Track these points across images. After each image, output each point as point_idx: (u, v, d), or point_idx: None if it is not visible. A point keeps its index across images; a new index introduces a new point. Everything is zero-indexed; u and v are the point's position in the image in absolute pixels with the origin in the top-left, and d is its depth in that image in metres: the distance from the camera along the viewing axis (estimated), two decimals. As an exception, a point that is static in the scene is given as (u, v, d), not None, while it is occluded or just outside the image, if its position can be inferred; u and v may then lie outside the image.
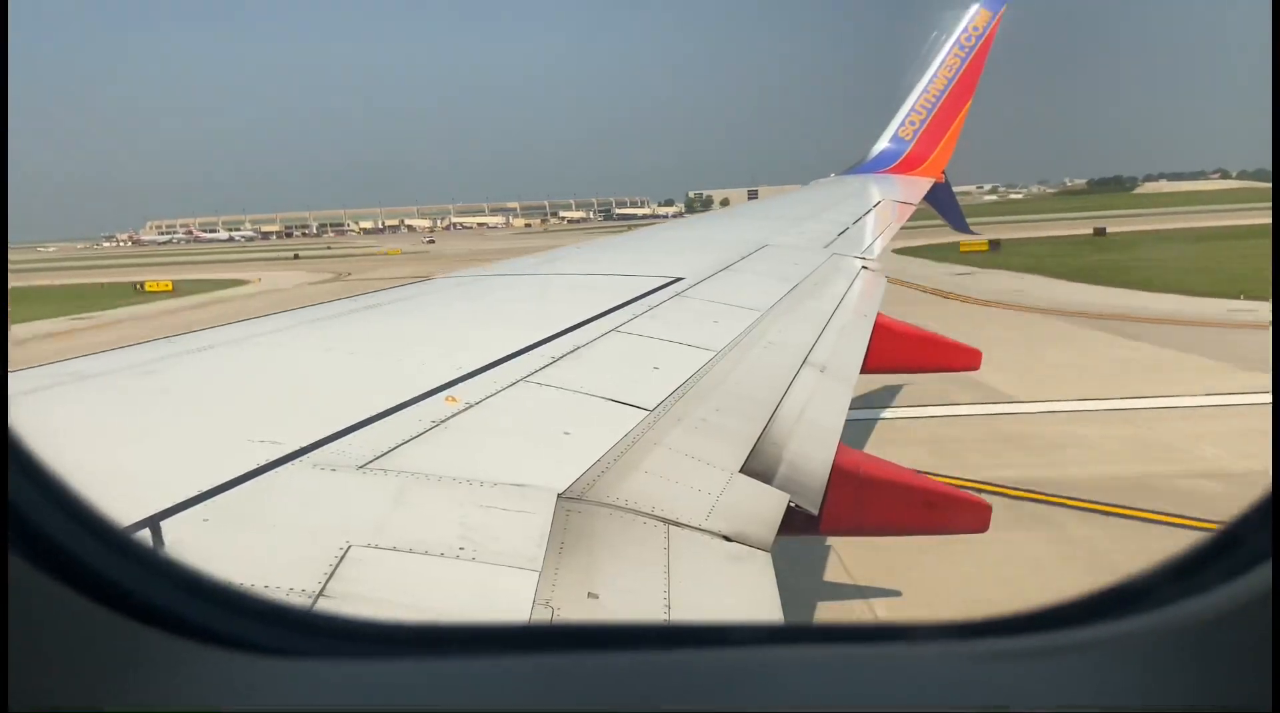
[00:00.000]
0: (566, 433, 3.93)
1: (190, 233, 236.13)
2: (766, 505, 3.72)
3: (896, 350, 8.23)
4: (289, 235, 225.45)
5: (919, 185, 20.40)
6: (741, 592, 3.15)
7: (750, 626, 1.39)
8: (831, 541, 11.74)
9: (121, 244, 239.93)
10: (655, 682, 1.16)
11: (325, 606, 2.41)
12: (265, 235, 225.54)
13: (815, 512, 3.93)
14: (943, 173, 21.54)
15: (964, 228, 25.42)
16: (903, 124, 21.71)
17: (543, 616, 2.61)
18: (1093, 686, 1.09)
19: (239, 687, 1.19)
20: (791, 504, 3.82)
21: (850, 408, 5.30)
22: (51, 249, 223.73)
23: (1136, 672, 1.10)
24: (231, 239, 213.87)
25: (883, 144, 21.93)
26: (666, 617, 2.78)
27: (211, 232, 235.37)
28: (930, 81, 21.41)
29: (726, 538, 3.36)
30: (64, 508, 1.27)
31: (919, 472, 5.39)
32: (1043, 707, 1.07)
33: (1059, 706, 1.08)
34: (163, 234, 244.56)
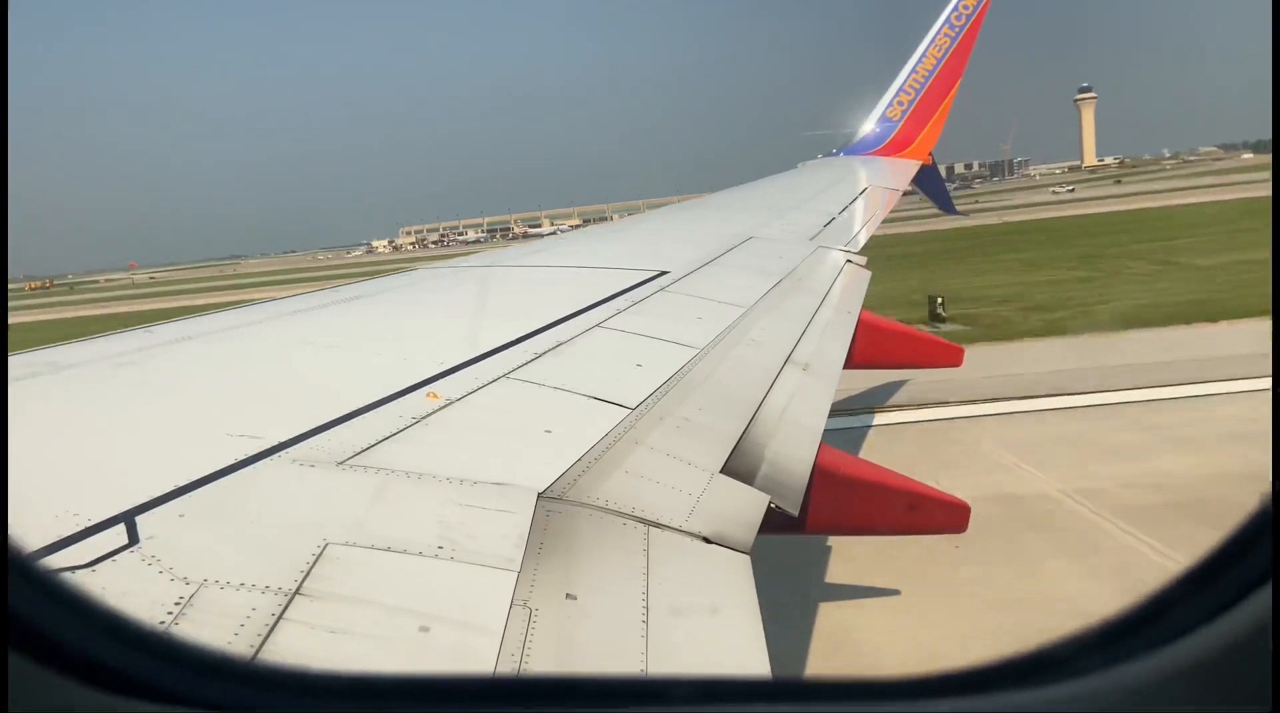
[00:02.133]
0: (548, 431, 3.92)
1: (521, 229, 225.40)
2: (746, 507, 3.72)
3: (879, 347, 8.25)
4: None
5: (906, 169, 20.20)
6: (720, 594, 3.16)
7: (693, 681, 1.38)
8: (831, 539, 11.78)
9: (402, 249, 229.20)
10: None
11: (300, 605, 2.40)
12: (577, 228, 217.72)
13: (795, 513, 3.93)
14: (930, 155, 21.32)
15: (951, 210, 25.21)
16: (890, 105, 21.33)
17: (520, 617, 2.61)
18: None
19: None
20: (772, 505, 3.82)
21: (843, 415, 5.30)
22: (323, 257, 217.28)
23: None
24: (556, 233, 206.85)
25: (869, 125, 21.55)
26: (644, 619, 2.78)
27: (524, 228, 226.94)
28: (919, 61, 21.04)
29: (706, 539, 3.36)
30: (54, 596, 1.28)
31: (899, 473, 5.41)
32: None
33: None
34: (460, 234, 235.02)
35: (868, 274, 9.91)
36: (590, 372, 4.76)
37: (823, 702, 1.24)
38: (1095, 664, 1.12)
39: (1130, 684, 1.08)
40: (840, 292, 8.60)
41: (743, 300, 7.01)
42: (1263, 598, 1.05)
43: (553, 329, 5.34)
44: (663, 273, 7.38)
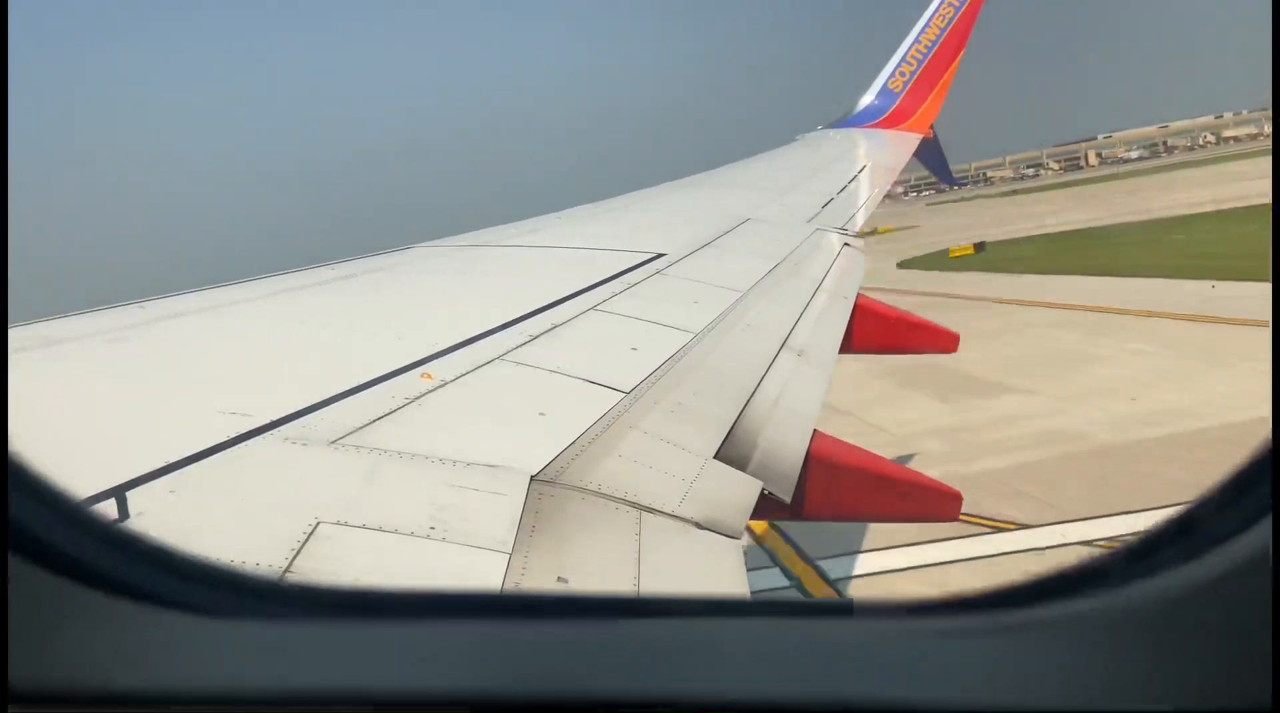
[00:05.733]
0: (542, 413, 3.91)
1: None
2: (739, 493, 3.73)
3: (875, 332, 8.25)
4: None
5: (906, 143, 19.86)
6: (711, 581, 3.17)
7: (693, 599, 1.40)
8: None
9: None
10: (596, 653, 1.16)
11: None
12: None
13: (787, 500, 3.95)
14: (930, 128, 20.98)
15: (952, 182, 24.94)
16: (892, 76, 20.75)
17: None
18: (1056, 665, 1.09)
19: (207, 649, 1.23)
20: (765, 492, 3.83)
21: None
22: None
23: (1092, 651, 1.09)
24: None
25: (869, 97, 20.95)
26: None
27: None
28: (922, 31, 20.57)
29: (699, 525, 3.37)
30: (51, 503, 1.32)
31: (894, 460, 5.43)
32: (1004, 684, 1.07)
33: (1020, 685, 1.08)
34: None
35: (865, 258, 9.90)
36: (585, 355, 4.75)
37: (845, 618, 1.26)
38: (1127, 577, 1.15)
39: (1160, 595, 1.11)
40: (837, 276, 8.59)
41: (739, 284, 6.99)
42: (1264, 526, 1.10)
43: (548, 311, 5.31)
44: (659, 255, 7.35)
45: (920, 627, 1.18)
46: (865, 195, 14.08)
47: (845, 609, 1.25)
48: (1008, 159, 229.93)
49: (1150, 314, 30.63)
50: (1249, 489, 1.15)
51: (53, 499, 1.35)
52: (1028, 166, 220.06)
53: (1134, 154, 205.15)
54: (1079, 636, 1.11)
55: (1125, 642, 1.09)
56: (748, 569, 3.27)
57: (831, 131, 21.07)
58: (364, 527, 2.74)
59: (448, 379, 3.99)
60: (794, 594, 12.40)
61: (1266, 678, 1.01)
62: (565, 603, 1.45)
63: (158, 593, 1.26)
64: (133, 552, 1.36)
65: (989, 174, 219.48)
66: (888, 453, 14.13)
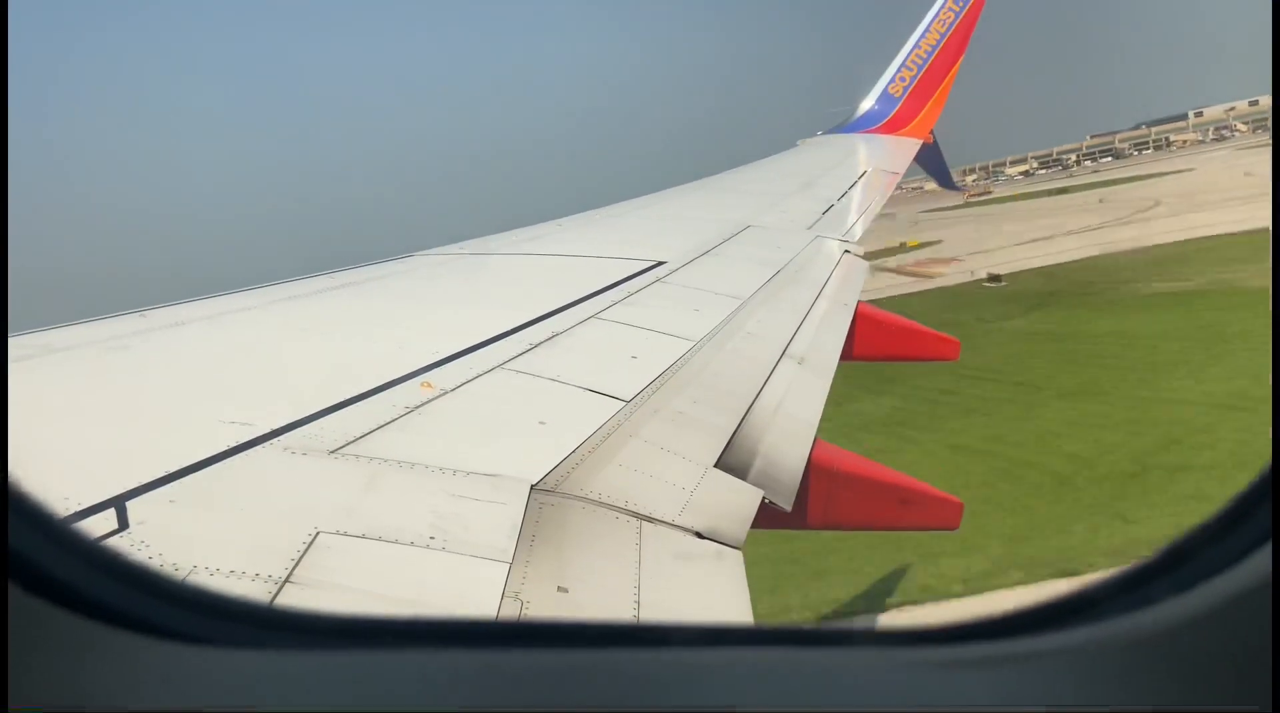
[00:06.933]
0: (542, 422, 3.91)
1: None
2: (740, 502, 3.72)
3: (876, 340, 8.24)
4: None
5: (907, 148, 19.84)
6: (712, 590, 3.17)
7: (692, 627, 1.39)
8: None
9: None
10: (589, 683, 1.15)
11: (291, 593, 2.40)
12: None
13: (788, 508, 3.94)
14: (930, 133, 20.98)
15: (952, 186, 24.93)
16: (892, 81, 20.79)
17: (511, 609, 2.61)
18: (1047, 695, 1.09)
19: (205, 680, 1.22)
20: (765, 500, 3.83)
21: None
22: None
23: (1091, 681, 1.10)
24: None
25: (870, 102, 20.99)
26: (635, 613, 2.79)
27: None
28: (922, 36, 20.61)
29: (699, 534, 3.37)
30: (50, 532, 1.33)
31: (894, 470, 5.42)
32: None
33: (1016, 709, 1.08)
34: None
35: (865, 265, 9.89)
36: (585, 363, 4.74)
37: (842, 647, 1.26)
38: (1120, 608, 1.16)
39: (1162, 624, 1.12)
40: (838, 284, 8.58)
41: (739, 292, 6.98)
42: (1264, 555, 1.11)
43: (548, 320, 5.30)
44: (660, 263, 7.34)
45: (921, 656, 1.18)
46: (865, 203, 14.06)
47: (848, 639, 1.24)
48: (1190, 123, 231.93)
49: None
50: (1249, 517, 1.16)
51: (51, 528, 1.35)
52: (1219, 127, 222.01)
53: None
54: (1079, 666, 1.12)
55: (1126, 671, 1.10)
56: None
57: (832, 137, 21.06)
58: (364, 536, 2.74)
59: (448, 388, 3.99)
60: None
61: (1268, 703, 1.02)
62: (565, 632, 1.44)
63: (155, 623, 1.27)
64: (131, 581, 1.36)
65: (1170, 138, 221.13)
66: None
